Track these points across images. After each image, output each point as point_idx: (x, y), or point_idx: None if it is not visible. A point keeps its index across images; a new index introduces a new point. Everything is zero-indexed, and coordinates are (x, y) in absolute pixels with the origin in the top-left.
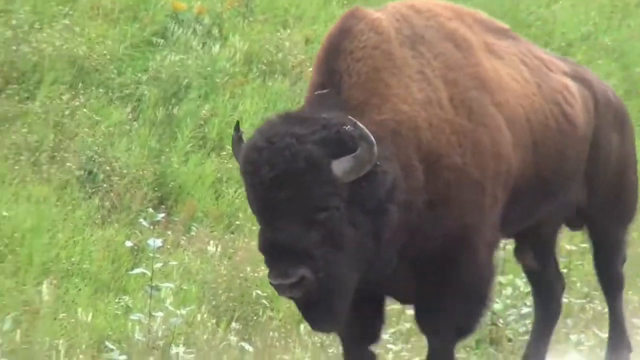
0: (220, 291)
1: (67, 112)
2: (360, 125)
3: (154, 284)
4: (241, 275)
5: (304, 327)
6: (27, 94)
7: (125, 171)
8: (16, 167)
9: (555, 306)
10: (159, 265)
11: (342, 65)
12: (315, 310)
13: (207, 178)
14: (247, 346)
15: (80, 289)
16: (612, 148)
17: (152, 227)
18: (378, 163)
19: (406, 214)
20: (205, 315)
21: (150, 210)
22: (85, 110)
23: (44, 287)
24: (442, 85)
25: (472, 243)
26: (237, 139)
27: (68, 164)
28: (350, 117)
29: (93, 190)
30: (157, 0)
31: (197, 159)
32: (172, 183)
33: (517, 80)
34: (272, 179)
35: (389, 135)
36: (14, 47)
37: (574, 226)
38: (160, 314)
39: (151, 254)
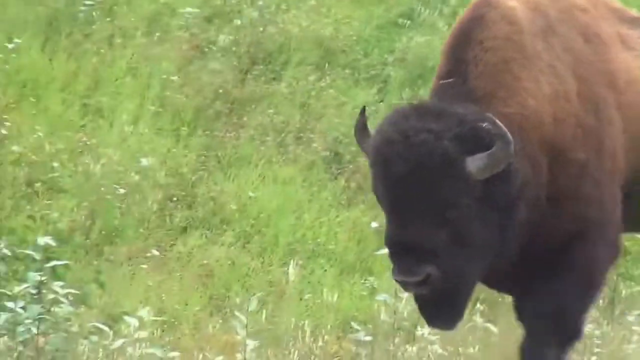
0: None
1: (313, 93)
2: (499, 123)
3: None
4: None
5: None
6: (274, 74)
7: None
8: (262, 148)
9: None
10: None
11: (470, 54)
12: (436, 308)
13: None
14: (492, 327)
15: (325, 270)
16: None
17: None
18: (511, 161)
19: (531, 210)
20: None
21: None
22: (331, 91)
23: (290, 268)
24: (571, 79)
25: (591, 237)
26: (362, 125)
27: (314, 144)
28: (488, 114)
29: (339, 171)
30: None
31: None
32: None
33: None
34: (406, 175)
35: (516, 130)
36: (261, 29)
37: None
38: (405, 295)
39: None
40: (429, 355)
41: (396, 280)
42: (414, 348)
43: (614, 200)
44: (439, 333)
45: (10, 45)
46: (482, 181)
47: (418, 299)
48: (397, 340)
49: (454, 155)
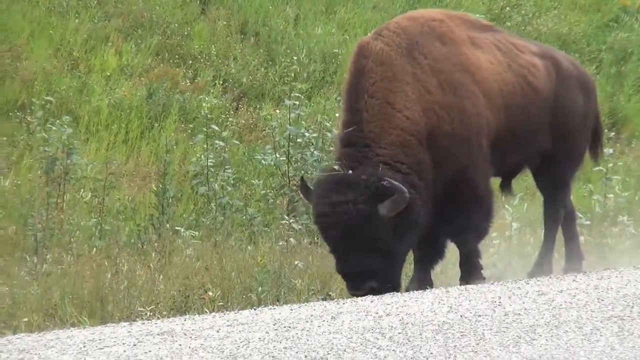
0: None
1: None
2: (392, 181)
3: (608, 176)
4: None
5: None
6: None
7: None
8: None
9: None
10: (610, 165)
11: (361, 103)
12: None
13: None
14: None
15: None
16: (576, 106)
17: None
18: (410, 198)
19: (428, 192)
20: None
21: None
22: None
23: None
24: (430, 76)
25: (467, 177)
26: (304, 188)
27: None
28: (382, 172)
29: None
30: None
31: (637, 98)
32: (619, 114)
33: (493, 62)
34: (338, 235)
35: (399, 149)
36: (522, 28)
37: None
38: (611, 196)
39: (606, 158)
40: (626, 234)
41: (350, 294)
42: (617, 229)
43: (481, 146)
44: (632, 221)
45: None
46: (393, 216)
47: None
48: (605, 223)
49: (370, 213)
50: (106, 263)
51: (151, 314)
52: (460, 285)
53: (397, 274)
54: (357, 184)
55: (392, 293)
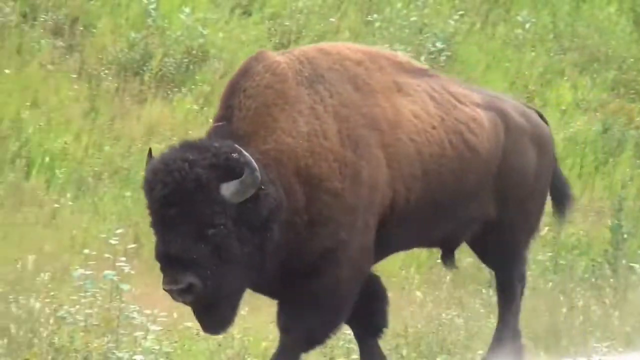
0: None
1: None
2: (245, 153)
3: None
4: None
5: None
6: None
7: None
8: None
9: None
10: None
11: (235, 101)
12: (206, 315)
13: None
14: None
15: None
16: (527, 166)
17: None
18: (262, 187)
19: (288, 231)
20: None
21: None
22: None
23: None
24: (332, 120)
25: (337, 258)
26: (148, 161)
27: None
28: (237, 145)
29: None
30: None
31: None
32: None
33: (419, 115)
34: (164, 197)
35: (272, 162)
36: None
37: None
38: None
39: None
40: None
41: (165, 290)
42: None
43: (367, 226)
44: None
45: None
46: (237, 205)
47: (192, 309)
48: None
49: (207, 181)
50: (561, 298)
51: (607, 349)
52: None
53: (228, 284)
54: (204, 148)
55: None
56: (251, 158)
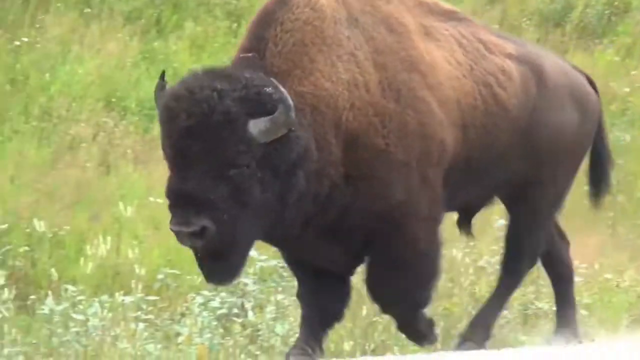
0: None
1: None
2: (282, 89)
3: None
4: None
5: None
6: None
7: None
8: None
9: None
10: None
11: (270, 33)
12: (213, 263)
13: None
14: None
15: None
16: (563, 125)
17: None
18: (293, 129)
19: (317, 183)
20: None
21: None
22: None
23: None
24: (372, 68)
25: (402, 221)
26: (161, 86)
27: None
28: (272, 79)
29: None
30: None
31: None
32: None
33: (450, 62)
34: (187, 128)
35: (307, 107)
36: None
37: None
38: None
39: None
40: None
41: (172, 231)
42: None
43: (425, 180)
44: None
45: None
46: (263, 144)
47: (197, 254)
48: None
49: (236, 115)
50: None
51: None
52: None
53: (242, 232)
54: (235, 78)
55: None
56: (287, 95)
